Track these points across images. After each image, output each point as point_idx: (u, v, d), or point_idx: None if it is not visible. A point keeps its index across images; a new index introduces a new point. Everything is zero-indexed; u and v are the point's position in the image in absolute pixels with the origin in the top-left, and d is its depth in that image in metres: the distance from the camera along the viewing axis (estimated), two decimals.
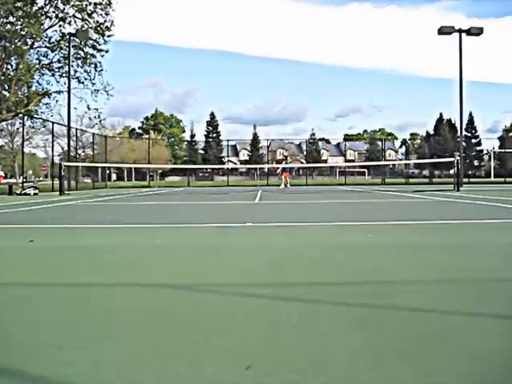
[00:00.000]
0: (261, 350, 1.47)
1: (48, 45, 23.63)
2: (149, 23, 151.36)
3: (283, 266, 2.91)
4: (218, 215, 7.50)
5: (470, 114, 68.10)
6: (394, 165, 58.25)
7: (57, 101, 24.73)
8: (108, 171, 40.59)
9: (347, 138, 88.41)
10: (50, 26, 23.00)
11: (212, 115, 79.77)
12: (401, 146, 75.02)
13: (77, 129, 30.75)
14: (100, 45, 24.22)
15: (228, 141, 45.15)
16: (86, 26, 22.93)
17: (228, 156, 51.22)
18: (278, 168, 30.50)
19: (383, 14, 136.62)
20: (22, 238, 4.23)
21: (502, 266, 2.91)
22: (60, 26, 23.10)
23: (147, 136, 67.01)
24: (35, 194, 16.38)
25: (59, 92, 24.40)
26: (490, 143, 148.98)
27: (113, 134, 53.69)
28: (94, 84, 24.27)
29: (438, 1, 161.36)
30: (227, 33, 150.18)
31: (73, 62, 22.09)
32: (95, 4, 23.34)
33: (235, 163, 73.07)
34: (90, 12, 23.30)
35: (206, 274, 2.69)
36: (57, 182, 18.96)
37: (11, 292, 2.32)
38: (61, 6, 22.74)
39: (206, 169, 59.00)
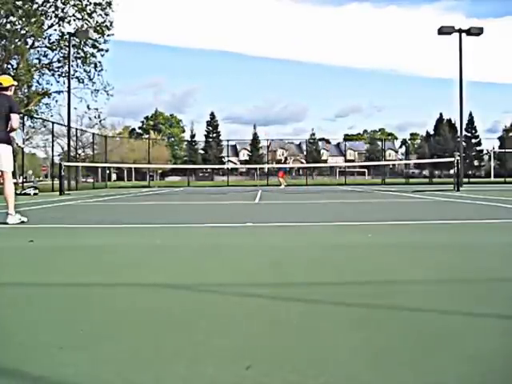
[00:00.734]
0: (261, 349, 1.47)
1: (48, 44, 23.67)
2: (149, 23, 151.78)
3: (283, 266, 2.91)
4: (217, 215, 7.50)
5: (470, 114, 68.20)
6: (393, 165, 58.26)
7: (56, 101, 24.81)
8: (108, 171, 40.59)
9: (347, 138, 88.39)
10: (50, 26, 23.03)
11: (212, 115, 79.86)
12: (401, 146, 75.10)
13: (77, 129, 30.74)
14: (100, 44, 24.27)
15: (228, 141, 45.25)
16: (85, 26, 22.95)
17: (228, 156, 51.23)
18: (280, 169, 30.50)
19: (383, 14, 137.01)
20: (21, 238, 4.23)
21: (502, 266, 2.91)
22: (60, 25, 23.14)
23: (147, 136, 66.98)
24: (35, 194, 16.36)
25: (59, 92, 24.49)
26: (490, 143, 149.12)
27: (113, 134, 53.60)
28: (94, 84, 24.33)
29: (437, 1, 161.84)
30: (227, 33, 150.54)
31: (73, 61, 22.10)
32: (95, 4, 23.38)
33: (235, 163, 73.06)
34: (89, 12, 23.34)
35: (205, 274, 2.69)
36: (57, 182, 18.95)
37: (11, 292, 2.32)
38: (60, 5, 22.77)
39: (206, 169, 58.97)
